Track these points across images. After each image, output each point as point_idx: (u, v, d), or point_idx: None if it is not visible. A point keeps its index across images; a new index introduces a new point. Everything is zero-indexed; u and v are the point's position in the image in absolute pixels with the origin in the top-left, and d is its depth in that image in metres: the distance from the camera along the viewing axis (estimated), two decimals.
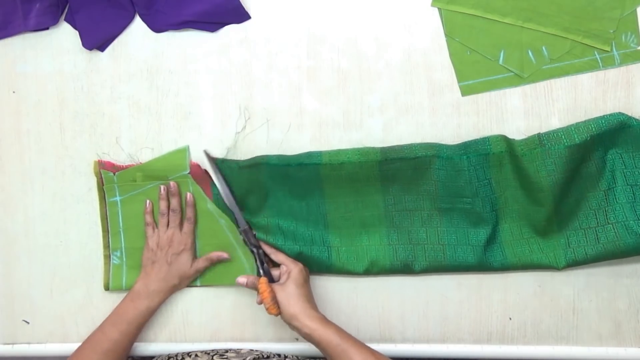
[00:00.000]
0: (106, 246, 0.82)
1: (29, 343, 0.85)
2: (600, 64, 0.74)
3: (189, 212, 0.79)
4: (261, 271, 0.77)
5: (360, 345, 0.70)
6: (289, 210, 0.79)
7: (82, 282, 0.84)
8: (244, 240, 0.79)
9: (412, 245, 0.77)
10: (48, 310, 0.85)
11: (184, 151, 0.80)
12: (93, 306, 0.84)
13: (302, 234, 0.78)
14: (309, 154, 0.77)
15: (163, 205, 0.79)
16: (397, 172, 0.76)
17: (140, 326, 0.78)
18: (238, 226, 0.78)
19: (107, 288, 0.82)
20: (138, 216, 0.81)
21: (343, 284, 0.81)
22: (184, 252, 0.78)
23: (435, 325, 0.80)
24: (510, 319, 0.79)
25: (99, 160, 0.81)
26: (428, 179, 0.76)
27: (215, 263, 0.80)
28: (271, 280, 0.77)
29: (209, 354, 0.78)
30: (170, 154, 0.80)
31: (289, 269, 0.75)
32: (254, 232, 0.78)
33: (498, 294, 0.79)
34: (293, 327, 0.72)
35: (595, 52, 0.74)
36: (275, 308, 0.72)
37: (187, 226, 0.78)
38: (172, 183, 0.78)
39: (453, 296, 0.79)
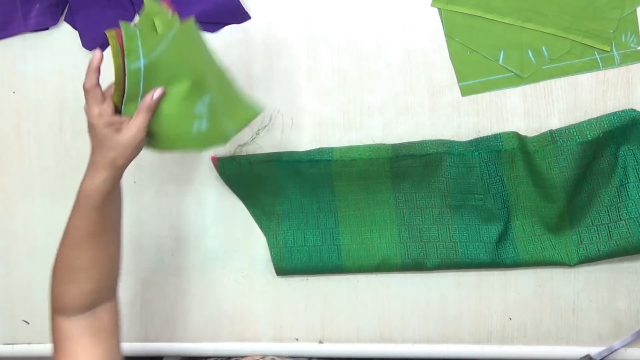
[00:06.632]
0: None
1: (29, 343, 0.85)
2: (600, 64, 0.74)
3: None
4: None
5: None
6: (299, 207, 0.79)
7: None
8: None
9: (423, 243, 0.77)
10: (48, 310, 0.84)
11: None
12: None
13: (313, 232, 0.79)
14: (320, 150, 0.77)
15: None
16: (408, 169, 0.76)
17: (97, 203, 0.63)
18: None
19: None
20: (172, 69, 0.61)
21: (343, 283, 0.81)
22: (92, 127, 0.64)
23: (435, 325, 0.80)
24: (510, 319, 0.79)
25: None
26: (439, 176, 0.76)
27: (155, 108, 0.61)
28: None
29: None
30: None
31: None
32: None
33: (498, 294, 0.79)
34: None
35: (595, 52, 0.74)
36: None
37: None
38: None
39: (453, 296, 0.79)
